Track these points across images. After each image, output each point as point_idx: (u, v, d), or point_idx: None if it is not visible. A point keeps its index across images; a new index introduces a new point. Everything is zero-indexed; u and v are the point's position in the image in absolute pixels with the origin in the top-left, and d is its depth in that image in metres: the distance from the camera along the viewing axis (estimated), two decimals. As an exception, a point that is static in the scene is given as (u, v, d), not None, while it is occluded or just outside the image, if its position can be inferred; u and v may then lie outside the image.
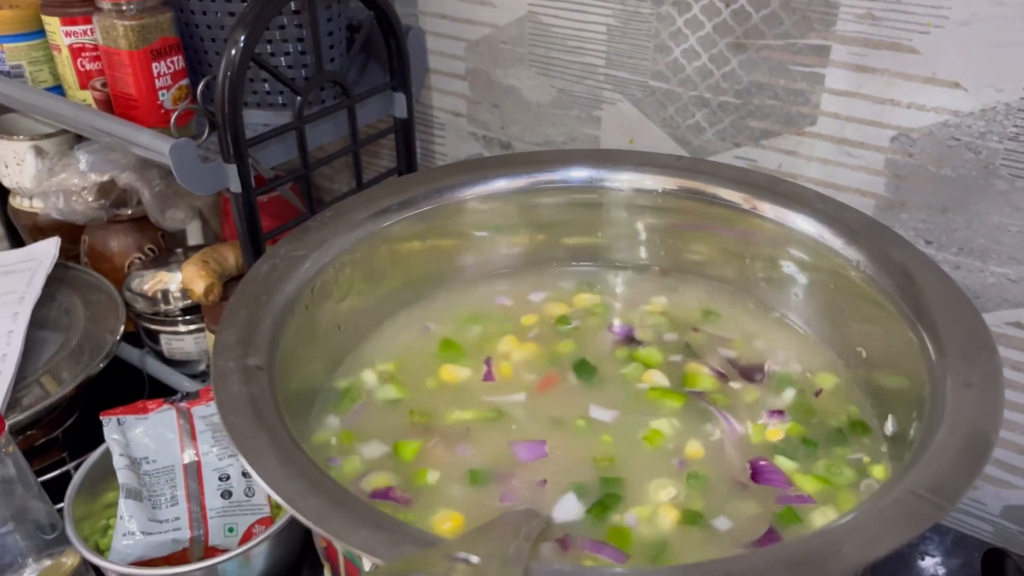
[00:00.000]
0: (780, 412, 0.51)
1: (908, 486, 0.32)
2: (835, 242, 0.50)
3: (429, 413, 0.51)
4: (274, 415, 0.37)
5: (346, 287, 0.52)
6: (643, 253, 0.63)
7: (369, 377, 0.54)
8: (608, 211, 0.61)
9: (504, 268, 0.63)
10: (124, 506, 0.59)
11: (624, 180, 0.57)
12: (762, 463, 0.47)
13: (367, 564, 0.32)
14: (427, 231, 0.57)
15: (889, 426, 0.46)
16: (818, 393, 0.52)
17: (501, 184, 0.57)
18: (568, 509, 0.43)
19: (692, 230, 0.59)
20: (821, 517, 0.43)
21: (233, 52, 0.61)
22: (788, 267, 0.56)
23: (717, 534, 0.43)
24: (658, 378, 0.54)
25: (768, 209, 0.53)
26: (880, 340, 0.48)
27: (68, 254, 0.87)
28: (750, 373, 0.54)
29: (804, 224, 0.52)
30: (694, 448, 0.48)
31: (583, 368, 0.54)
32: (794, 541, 0.31)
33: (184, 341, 0.81)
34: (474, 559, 0.25)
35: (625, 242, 0.63)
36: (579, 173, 0.58)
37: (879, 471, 0.46)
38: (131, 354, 0.83)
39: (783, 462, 0.47)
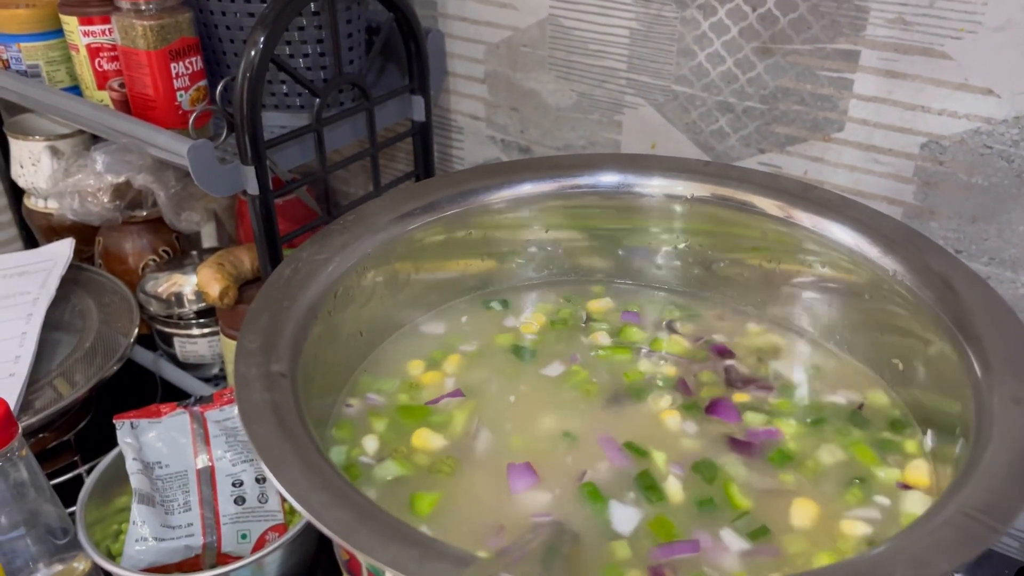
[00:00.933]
0: (768, 388, 0.53)
1: (959, 507, 0.31)
2: (871, 251, 0.49)
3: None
4: (298, 423, 0.36)
5: (369, 292, 0.51)
6: (672, 260, 0.62)
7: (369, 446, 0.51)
8: (636, 218, 0.60)
9: (528, 279, 0.63)
10: (137, 511, 0.58)
11: (655, 186, 0.56)
12: (721, 400, 0.51)
13: (392, 579, 0.31)
14: (450, 236, 0.56)
15: (928, 442, 0.45)
16: (860, 406, 0.51)
17: (527, 188, 0.56)
18: (624, 519, 0.43)
19: (722, 237, 0.58)
20: (795, 443, 0.47)
21: (252, 53, 0.60)
22: (821, 276, 0.54)
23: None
24: (602, 338, 0.57)
25: (803, 217, 0.52)
26: (919, 353, 0.46)
27: (82, 255, 0.87)
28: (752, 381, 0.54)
29: (839, 233, 0.51)
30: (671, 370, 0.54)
31: (517, 352, 0.55)
32: (844, 563, 0.30)
33: (198, 344, 0.80)
34: (515, 582, 0.24)
35: (653, 251, 0.62)
36: (607, 178, 0.57)
37: (912, 445, 0.47)
38: (144, 357, 0.83)
39: (752, 416, 0.50)
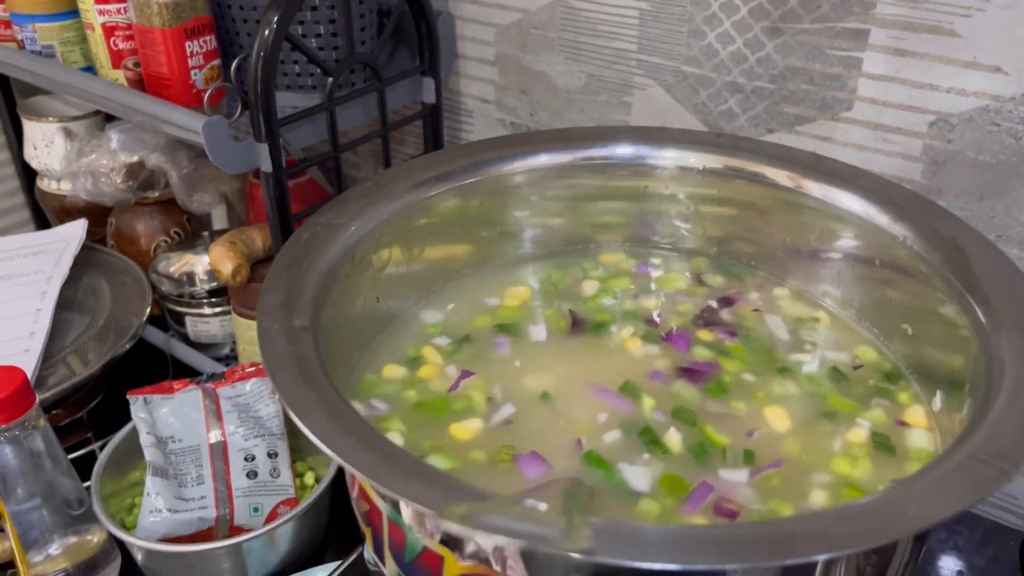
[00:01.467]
0: (732, 333, 0.55)
1: (970, 452, 0.32)
2: (881, 219, 0.49)
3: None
4: (320, 374, 0.36)
5: (385, 258, 0.52)
6: (681, 232, 0.63)
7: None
8: (649, 189, 0.60)
9: (543, 248, 0.63)
10: (151, 483, 0.59)
11: (667, 157, 0.57)
12: (679, 329, 0.55)
13: (414, 525, 0.32)
14: (466, 205, 0.56)
15: (938, 402, 0.46)
16: (857, 367, 0.52)
17: (544, 159, 0.56)
18: (639, 477, 0.44)
19: (733, 208, 0.58)
20: (731, 378, 0.50)
21: (267, 32, 0.61)
22: (831, 245, 0.55)
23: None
24: (588, 287, 0.59)
25: (813, 187, 0.53)
26: (928, 316, 0.47)
27: (94, 236, 0.88)
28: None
29: (849, 201, 0.51)
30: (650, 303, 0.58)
31: (507, 329, 0.56)
32: (858, 503, 0.30)
33: (209, 324, 0.81)
34: (543, 506, 0.25)
35: (665, 221, 0.62)
36: (622, 150, 0.57)
37: (905, 397, 0.49)
38: (156, 336, 0.83)
39: (700, 350, 0.53)
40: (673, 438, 0.46)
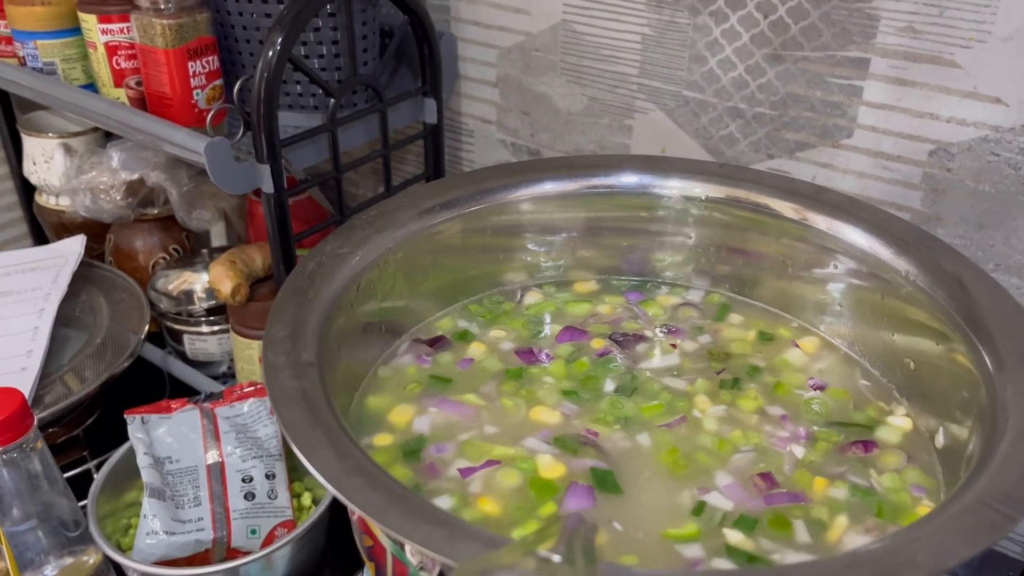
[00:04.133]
0: (609, 350, 0.57)
1: (976, 497, 0.32)
2: (884, 253, 0.50)
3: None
4: (327, 410, 0.36)
5: (389, 286, 0.52)
6: (685, 263, 0.63)
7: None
8: (652, 218, 0.61)
9: (546, 277, 0.64)
10: (148, 505, 0.58)
11: (672, 187, 0.57)
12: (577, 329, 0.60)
13: (418, 562, 0.31)
14: (470, 233, 0.57)
15: (940, 439, 0.46)
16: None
17: (549, 187, 0.57)
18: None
19: (735, 239, 0.59)
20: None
21: (270, 53, 0.61)
22: (834, 278, 0.55)
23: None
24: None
25: (818, 220, 0.53)
26: (931, 352, 0.47)
27: (93, 252, 0.87)
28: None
29: (853, 235, 0.52)
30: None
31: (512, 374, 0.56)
32: (864, 550, 0.30)
33: (207, 342, 0.81)
34: (556, 558, 0.25)
35: (665, 250, 0.63)
36: (626, 179, 0.58)
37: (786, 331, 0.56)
38: (153, 354, 0.83)
39: (562, 348, 0.57)
40: (733, 537, 0.43)
